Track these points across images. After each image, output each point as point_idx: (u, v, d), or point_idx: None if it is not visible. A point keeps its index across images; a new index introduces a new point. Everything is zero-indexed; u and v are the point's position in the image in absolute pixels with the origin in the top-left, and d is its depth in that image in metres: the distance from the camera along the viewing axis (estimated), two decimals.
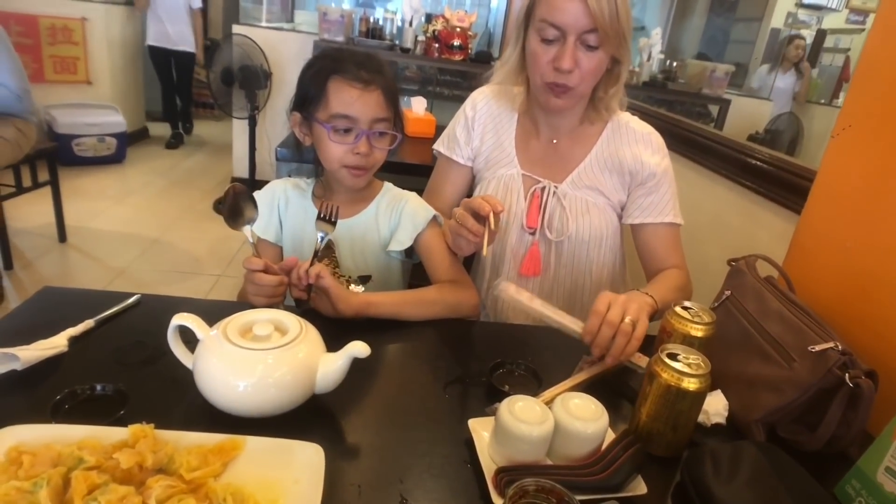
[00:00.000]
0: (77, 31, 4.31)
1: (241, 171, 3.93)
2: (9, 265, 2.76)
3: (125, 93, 4.92)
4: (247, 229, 0.98)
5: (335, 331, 0.85)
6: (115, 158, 4.47)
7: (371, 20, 3.58)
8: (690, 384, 0.75)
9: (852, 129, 1.10)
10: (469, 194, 1.36)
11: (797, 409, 0.83)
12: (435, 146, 1.37)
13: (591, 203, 1.22)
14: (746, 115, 3.89)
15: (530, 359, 0.93)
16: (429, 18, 3.43)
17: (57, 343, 0.81)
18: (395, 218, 1.18)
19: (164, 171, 4.58)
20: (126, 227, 3.43)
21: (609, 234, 1.24)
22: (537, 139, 1.26)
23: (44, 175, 2.95)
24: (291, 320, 0.77)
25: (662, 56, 3.80)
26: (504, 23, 3.67)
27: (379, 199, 1.20)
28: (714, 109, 3.72)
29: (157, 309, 0.94)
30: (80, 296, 1.03)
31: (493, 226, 0.95)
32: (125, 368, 0.80)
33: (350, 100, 1.05)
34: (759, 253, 1.08)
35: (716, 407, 0.86)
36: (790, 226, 1.18)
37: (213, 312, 0.79)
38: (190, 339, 0.75)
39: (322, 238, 1.03)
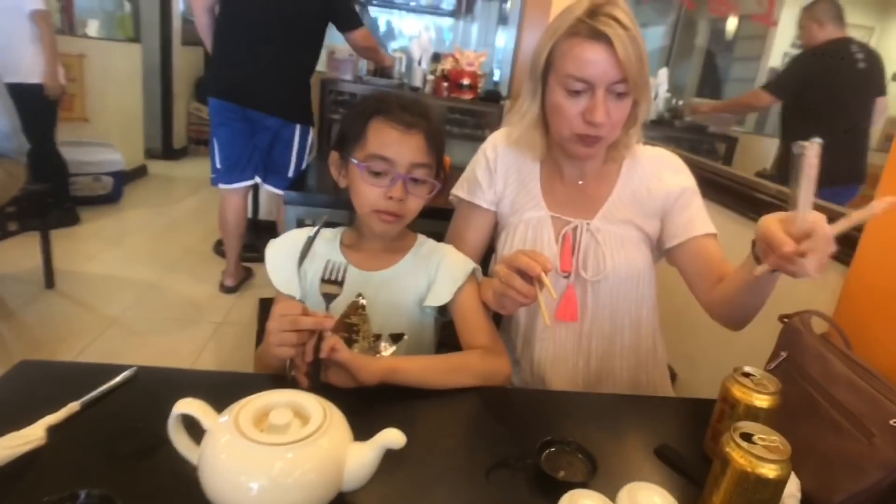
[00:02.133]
0: (75, 67, 4.27)
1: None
2: None
3: (123, 130, 4.86)
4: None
5: (357, 405, 0.75)
6: (112, 198, 4.37)
7: None
8: (770, 470, 0.66)
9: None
10: (493, 241, 1.29)
11: (883, 490, 0.75)
12: (454, 191, 1.30)
13: (626, 238, 1.17)
14: (754, 152, 3.87)
15: (578, 434, 0.83)
16: (437, 58, 3.41)
17: (32, 435, 0.69)
18: (433, 271, 1.10)
19: (164, 211, 4.48)
20: (121, 270, 3.31)
21: (645, 271, 1.18)
22: (562, 182, 1.21)
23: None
24: (314, 404, 0.66)
25: (669, 95, 3.79)
26: (512, 63, 3.65)
27: (415, 251, 1.13)
28: (721, 147, 3.69)
29: (157, 384, 0.83)
30: (63, 370, 0.92)
31: (549, 284, 0.88)
32: (116, 464, 0.69)
33: (389, 141, 1.01)
34: (812, 309, 0.99)
35: (789, 488, 0.76)
36: (832, 275, 1.13)
37: (223, 388, 0.69)
38: (196, 425, 0.64)
39: (328, 304, 0.92)
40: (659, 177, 1.17)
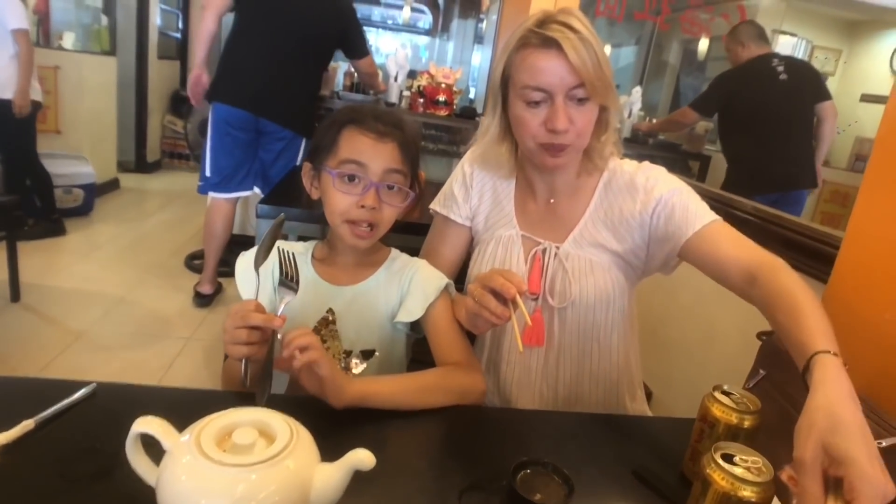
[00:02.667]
0: (49, 79, 4.20)
1: None
2: None
3: (96, 143, 4.77)
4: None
5: (326, 424, 0.72)
6: (82, 210, 4.28)
7: (356, 75, 3.56)
8: (752, 493, 0.65)
9: (879, 190, 1.04)
10: (468, 257, 1.27)
11: None
12: (431, 205, 1.29)
13: (595, 262, 1.12)
14: (724, 170, 3.93)
15: (554, 455, 0.81)
16: (413, 74, 3.43)
17: None
18: (405, 286, 1.08)
19: (134, 224, 4.40)
20: (88, 284, 3.22)
21: (616, 296, 1.13)
22: (534, 201, 1.19)
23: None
24: (280, 423, 0.64)
25: (642, 113, 3.85)
26: (488, 80, 3.67)
27: (387, 266, 1.11)
28: (694, 166, 3.74)
29: (117, 402, 0.80)
30: (20, 386, 0.88)
31: (524, 309, 0.86)
32: (70, 485, 0.65)
33: (362, 147, 0.99)
34: None
35: None
36: None
37: (186, 405, 0.66)
38: (156, 444, 0.61)
39: (282, 306, 0.88)
40: (633, 197, 1.12)
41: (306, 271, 1.08)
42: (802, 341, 0.75)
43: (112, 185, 5.10)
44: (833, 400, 0.65)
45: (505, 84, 1.07)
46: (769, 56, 2.99)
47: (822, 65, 4.52)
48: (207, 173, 2.97)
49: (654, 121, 4.13)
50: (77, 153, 4.38)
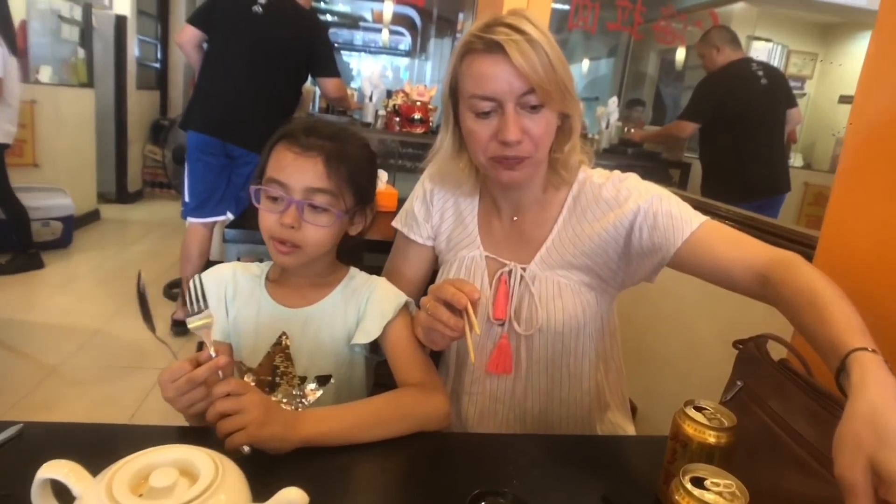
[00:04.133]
0: (26, 113, 4.15)
1: None
2: None
3: (75, 175, 4.72)
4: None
5: (261, 458, 0.67)
6: (61, 243, 4.22)
7: None
8: None
9: (853, 188, 1.01)
10: (433, 277, 1.21)
11: None
12: (393, 222, 1.23)
13: (564, 285, 1.05)
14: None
15: (516, 482, 0.76)
16: (389, 94, 3.41)
17: None
18: (362, 306, 1.02)
19: (113, 255, 4.33)
20: (64, 317, 3.15)
21: (587, 320, 1.06)
22: (498, 218, 1.12)
23: None
24: (204, 461, 0.58)
25: (620, 124, 3.84)
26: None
27: (344, 286, 1.05)
28: (675, 173, 3.72)
29: (44, 443, 0.74)
30: None
31: (473, 319, 0.81)
32: None
33: (284, 164, 0.93)
34: (768, 333, 0.92)
35: None
36: None
37: (122, 444, 0.61)
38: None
39: (209, 344, 0.81)
40: (603, 210, 1.04)
41: (258, 294, 1.03)
42: (832, 340, 0.67)
43: (92, 217, 5.05)
44: (878, 406, 0.56)
45: (454, 95, 1.01)
46: (748, 60, 3.00)
47: (799, 69, 4.56)
48: (187, 198, 2.98)
49: (646, 127, 4.12)
50: (55, 186, 4.33)
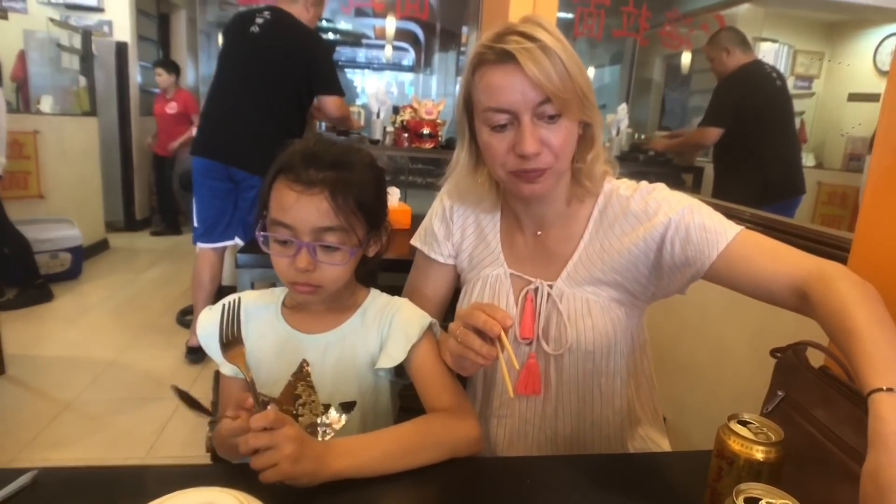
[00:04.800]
0: (28, 144, 4.17)
1: None
2: None
3: (82, 204, 4.73)
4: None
5: (289, 497, 0.63)
6: (70, 275, 4.21)
7: None
8: None
9: (887, 188, 0.97)
10: (455, 295, 1.17)
11: None
12: (413, 240, 1.19)
13: (593, 302, 1.01)
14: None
15: None
16: (396, 110, 3.39)
17: None
18: (385, 329, 0.98)
19: (124, 285, 4.31)
20: (77, 350, 3.12)
21: (618, 337, 1.02)
22: (521, 233, 1.08)
23: None
24: (229, 502, 0.55)
25: (630, 130, 3.81)
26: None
27: (365, 308, 1.01)
28: (688, 178, 3.69)
29: (59, 489, 0.70)
30: None
31: (510, 350, 0.78)
32: None
33: (287, 204, 0.87)
34: (806, 339, 0.88)
35: None
36: None
37: (143, 487, 0.58)
38: None
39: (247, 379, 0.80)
40: (633, 224, 0.99)
41: (275, 323, 0.99)
42: (858, 374, 0.64)
43: (101, 247, 5.05)
44: (883, 462, 0.55)
45: (469, 108, 0.97)
46: (761, 63, 2.98)
47: (806, 68, 4.53)
48: (195, 224, 2.96)
49: (670, 131, 4.08)
50: (62, 216, 4.33)
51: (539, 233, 1.06)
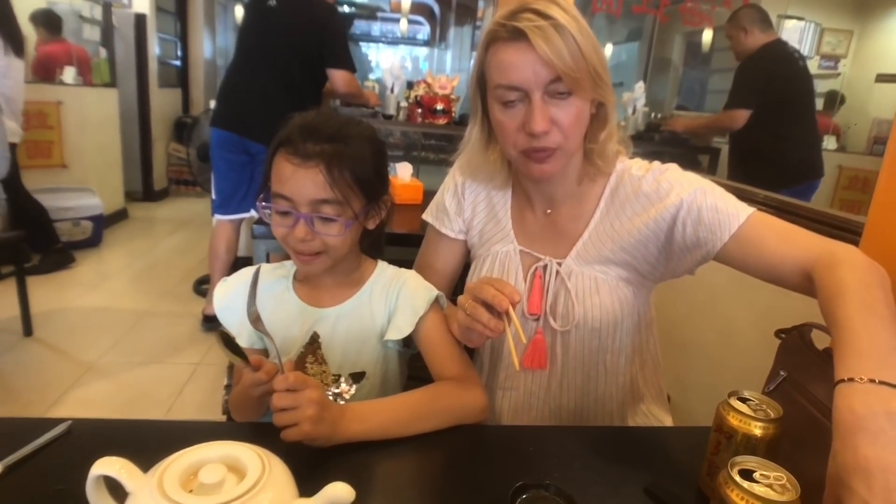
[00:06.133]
0: (52, 114, 4.23)
1: None
2: None
3: (102, 174, 4.81)
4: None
5: (305, 454, 0.67)
6: (91, 242, 4.31)
7: None
8: None
9: None
10: (465, 270, 1.20)
11: None
12: (424, 215, 1.21)
13: (601, 280, 1.02)
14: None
15: (557, 475, 0.75)
16: (410, 85, 3.38)
17: None
18: (392, 301, 1.01)
19: (143, 253, 4.41)
20: (99, 315, 3.22)
21: (625, 315, 1.04)
22: (532, 211, 1.10)
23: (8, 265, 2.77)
24: (251, 457, 0.59)
25: (647, 109, 3.77)
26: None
27: (372, 282, 1.04)
28: (704, 159, 3.66)
29: (91, 439, 0.75)
30: None
31: (517, 324, 0.80)
32: None
33: (286, 177, 0.90)
34: (811, 321, 0.90)
35: None
36: None
37: (167, 440, 0.62)
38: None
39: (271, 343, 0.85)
40: (644, 205, 1.00)
41: (287, 295, 1.03)
42: (834, 365, 0.65)
43: (120, 216, 5.14)
44: (837, 448, 0.57)
45: (482, 85, 0.98)
46: (783, 42, 2.93)
47: (833, 47, 4.41)
48: (213, 195, 3.03)
49: (676, 114, 4.03)
50: (84, 186, 4.41)
51: (549, 211, 1.08)
